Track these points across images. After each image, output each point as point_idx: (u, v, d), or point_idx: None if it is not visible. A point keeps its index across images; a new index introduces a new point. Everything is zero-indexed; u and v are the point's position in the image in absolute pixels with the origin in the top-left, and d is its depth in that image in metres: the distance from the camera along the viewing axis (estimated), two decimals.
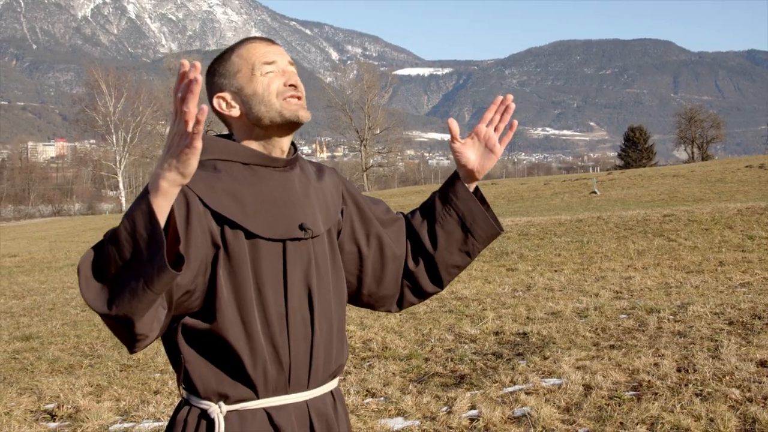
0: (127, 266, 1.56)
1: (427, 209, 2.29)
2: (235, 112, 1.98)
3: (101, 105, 75.34)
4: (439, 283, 2.28)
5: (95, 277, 1.59)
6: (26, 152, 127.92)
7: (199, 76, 1.43)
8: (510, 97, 2.22)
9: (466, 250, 2.27)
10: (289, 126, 1.98)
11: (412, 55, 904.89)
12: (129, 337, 1.63)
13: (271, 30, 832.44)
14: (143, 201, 1.54)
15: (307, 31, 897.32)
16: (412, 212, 2.32)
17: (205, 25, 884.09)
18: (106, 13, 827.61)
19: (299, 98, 1.99)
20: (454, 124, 2.22)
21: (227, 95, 1.99)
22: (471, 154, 2.23)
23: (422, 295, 2.29)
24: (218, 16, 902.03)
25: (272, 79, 1.98)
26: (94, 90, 76.50)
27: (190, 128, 1.47)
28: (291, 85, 1.98)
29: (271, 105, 1.95)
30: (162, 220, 1.55)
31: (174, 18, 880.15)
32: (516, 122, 2.23)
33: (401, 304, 2.30)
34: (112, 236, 1.57)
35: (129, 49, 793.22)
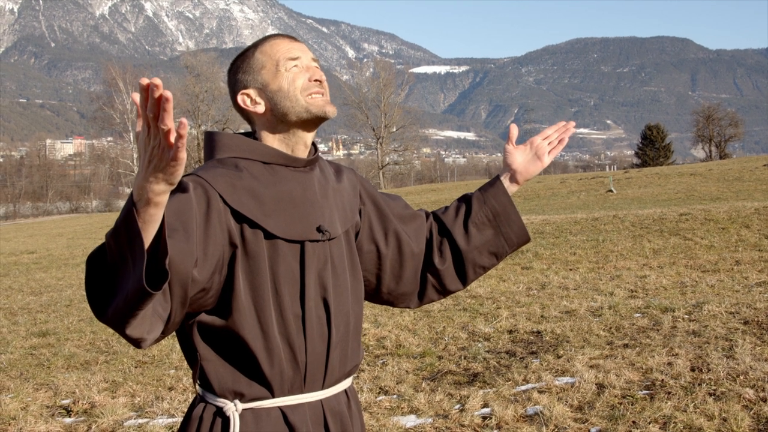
0: (117, 273, 1.55)
1: (462, 207, 2.32)
2: (260, 108, 1.98)
3: (119, 103, 75.54)
4: (464, 282, 2.31)
5: (95, 281, 1.60)
6: (44, 150, 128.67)
7: (167, 93, 1.37)
8: (572, 123, 2.40)
9: (495, 252, 2.32)
10: (315, 121, 1.99)
11: (429, 52, 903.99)
12: (125, 338, 1.63)
13: (288, 28, 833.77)
14: (130, 212, 1.50)
15: (324, 29, 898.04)
16: (444, 208, 2.35)
17: (222, 23, 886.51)
18: (123, 11, 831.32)
19: (323, 93, 2.00)
20: (514, 128, 2.38)
21: (252, 92, 1.99)
22: (519, 157, 2.35)
23: (444, 292, 2.32)
24: (235, 14, 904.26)
25: (297, 74, 1.98)
26: (111, 88, 76.74)
27: (171, 142, 1.41)
28: (316, 80, 1.99)
29: (296, 100, 1.96)
30: (154, 228, 1.53)
31: (191, 16, 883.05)
32: (567, 139, 2.37)
33: (422, 300, 2.32)
34: (108, 240, 1.55)
35: (146, 47, 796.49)
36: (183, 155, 1.43)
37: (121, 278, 1.54)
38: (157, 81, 1.38)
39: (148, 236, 1.52)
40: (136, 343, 1.65)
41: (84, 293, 12.75)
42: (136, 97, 1.44)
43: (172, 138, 1.41)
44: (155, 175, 1.46)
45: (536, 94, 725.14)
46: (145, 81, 1.39)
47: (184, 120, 1.41)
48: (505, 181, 2.34)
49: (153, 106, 1.39)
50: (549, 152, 2.34)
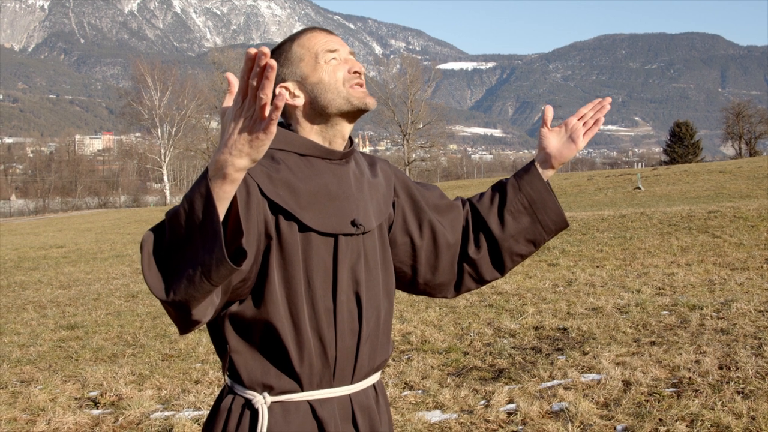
0: (185, 252, 1.53)
1: (496, 194, 2.27)
2: (300, 101, 1.96)
3: (147, 98, 76.02)
4: (501, 270, 2.27)
5: (156, 260, 1.57)
6: (73, 145, 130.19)
7: (272, 61, 1.37)
8: (608, 99, 2.29)
9: (532, 239, 2.27)
10: (355, 113, 1.98)
11: (456, 49, 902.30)
12: (184, 322, 1.62)
13: (315, 24, 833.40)
14: (202, 185, 1.50)
15: (351, 26, 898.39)
16: (480, 195, 2.30)
17: (250, 20, 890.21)
18: (152, 8, 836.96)
19: (363, 85, 1.98)
20: (549, 110, 2.30)
21: (290, 84, 1.97)
22: (554, 140, 2.26)
23: (481, 281, 2.29)
24: (262, 11, 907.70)
25: (336, 66, 1.96)
26: (139, 84, 77.22)
27: (266, 114, 1.41)
28: (355, 72, 1.97)
29: (338, 92, 1.94)
30: (224, 207, 1.51)
31: (219, 12, 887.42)
32: (602, 118, 2.26)
33: (459, 290, 2.29)
34: (171, 219, 1.54)
35: (174, 43, 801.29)
36: (273, 129, 1.43)
37: (189, 255, 1.52)
38: (265, 50, 1.38)
39: (220, 214, 1.51)
40: (192, 325, 1.63)
41: (111, 287, 12.84)
42: (230, 75, 1.47)
43: (267, 110, 1.41)
44: (240, 147, 1.46)
45: (563, 91, 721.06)
46: (253, 50, 1.39)
47: (283, 92, 1.42)
48: (539, 166, 2.27)
49: (257, 74, 1.39)
50: (584, 134, 2.25)
